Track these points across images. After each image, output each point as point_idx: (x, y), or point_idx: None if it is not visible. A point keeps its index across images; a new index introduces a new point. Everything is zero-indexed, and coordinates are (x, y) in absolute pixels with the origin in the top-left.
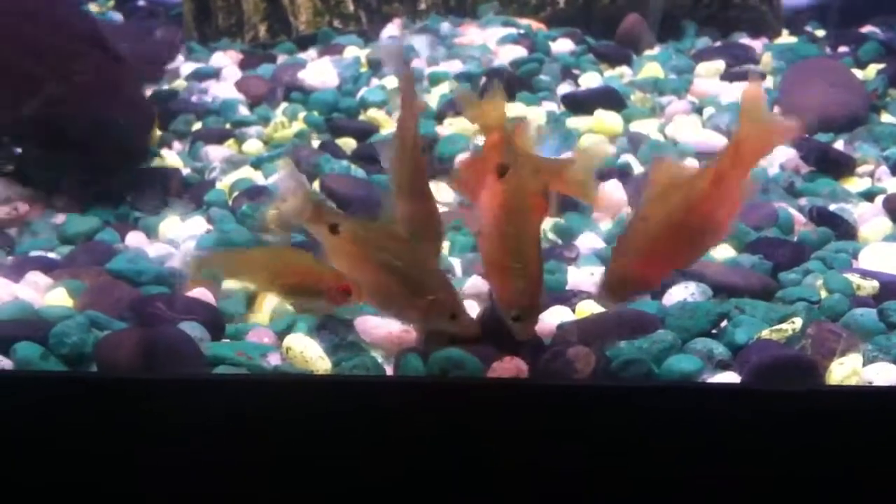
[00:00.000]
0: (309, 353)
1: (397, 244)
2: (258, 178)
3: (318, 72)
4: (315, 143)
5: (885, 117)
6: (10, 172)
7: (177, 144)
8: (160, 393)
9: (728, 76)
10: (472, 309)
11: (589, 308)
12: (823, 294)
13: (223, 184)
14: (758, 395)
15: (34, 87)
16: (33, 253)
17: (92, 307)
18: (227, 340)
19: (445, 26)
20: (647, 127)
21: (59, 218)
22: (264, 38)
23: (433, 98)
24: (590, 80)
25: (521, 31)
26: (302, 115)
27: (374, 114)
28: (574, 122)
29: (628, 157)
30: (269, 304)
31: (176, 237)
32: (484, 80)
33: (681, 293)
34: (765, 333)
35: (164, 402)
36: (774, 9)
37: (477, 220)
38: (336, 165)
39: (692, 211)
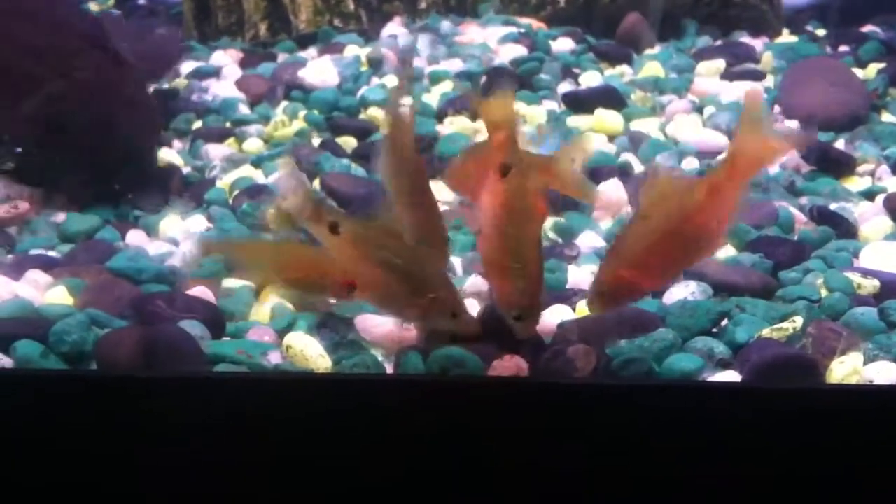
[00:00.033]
0: (309, 351)
1: (397, 243)
2: (258, 176)
3: (319, 70)
4: (315, 142)
5: (886, 116)
6: (10, 171)
7: (177, 143)
8: (160, 391)
9: (728, 75)
10: (473, 307)
11: None
12: (824, 293)
13: (223, 182)
14: (758, 393)
15: (34, 87)
16: (33, 251)
17: (92, 305)
18: (228, 339)
19: (446, 25)
20: (647, 126)
21: (60, 216)
22: (265, 36)
23: (433, 97)
24: (590, 79)
25: (522, 30)
26: (302, 113)
27: (374, 112)
28: (574, 120)
29: (629, 156)
30: (273, 298)
31: (176, 235)
32: (484, 79)
33: (681, 292)
34: (765, 332)
35: (164, 400)
36: (775, 8)
37: (477, 219)
38: (336, 164)
39: (686, 221)
